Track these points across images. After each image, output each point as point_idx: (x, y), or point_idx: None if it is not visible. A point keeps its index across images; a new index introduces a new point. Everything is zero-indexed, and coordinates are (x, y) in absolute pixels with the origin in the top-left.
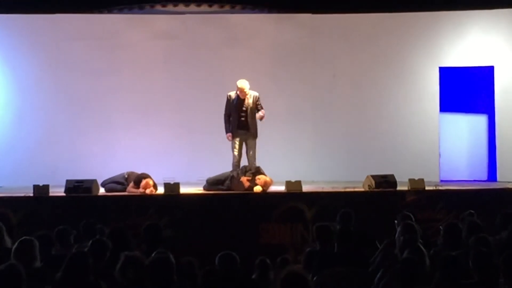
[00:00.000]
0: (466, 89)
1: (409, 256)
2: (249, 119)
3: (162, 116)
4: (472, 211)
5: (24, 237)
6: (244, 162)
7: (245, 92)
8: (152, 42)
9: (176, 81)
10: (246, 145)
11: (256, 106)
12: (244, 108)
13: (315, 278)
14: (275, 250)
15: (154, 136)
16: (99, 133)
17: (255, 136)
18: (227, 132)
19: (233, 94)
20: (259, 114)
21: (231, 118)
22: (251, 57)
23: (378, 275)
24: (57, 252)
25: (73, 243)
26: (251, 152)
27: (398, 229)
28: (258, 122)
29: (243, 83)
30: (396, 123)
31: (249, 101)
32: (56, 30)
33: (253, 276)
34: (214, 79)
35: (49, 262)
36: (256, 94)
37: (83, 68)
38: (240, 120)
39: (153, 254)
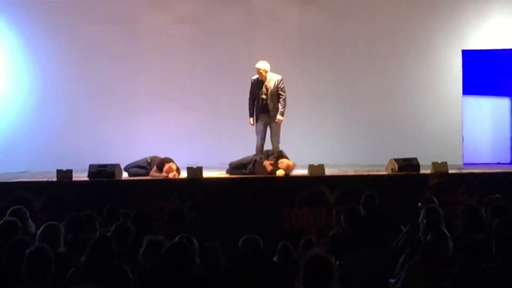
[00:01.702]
0: (489, 72)
1: (432, 239)
2: (270, 103)
3: (185, 100)
4: (497, 195)
5: (49, 222)
6: (267, 146)
7: (261, 73)
8: (173, 26)
9: (198, 65)
10: (270, 128)
11: (278, 90)
12: (265, 91)
13: (338, 261)
14: (298, 234)
15: (176, 121)
16: (121, 118)
17: (282, 114)
18: (250, 116)
19: (255, 77)
20: (278, 118)
21: (255, 102)
22: (273, 40)
23: (401, 258)
24: (82, 237)
25: (98, 228)
26: (275, 136)
27: (422, 212)
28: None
29: (261, 64)
30: (419, 106)
31: (270, 84)
32: (77, 14)
33: (275, 259)
34: (236, 63)
35: (73, 247)
36: (279, 77)
37: (105, 53)
38: (262, 103)
39: (176, 238)
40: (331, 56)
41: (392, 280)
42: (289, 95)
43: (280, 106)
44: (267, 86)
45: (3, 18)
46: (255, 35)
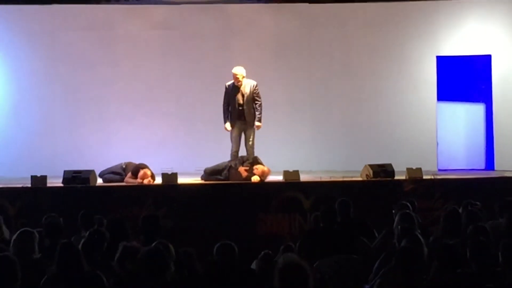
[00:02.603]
0: (464, 78)
1: (407, 245)
2: (246, 109)
3: (160, 106)
4: (472, 202)
5: (23, 229)
6: (242, 152)
7: (237, 78)
8: (149, 33)
9: (173, 71)
10: (245, 135)
11: (253, 95)
12: (241, 97)
13: (313, 266)
14: (273, 240)
15: (151, 127)
16: (96, 124)
17: (253, 125)
18: (225, 122)
19: (230, 83)
20: (256, 124)
21: (230, 108)
22: (248, 47)
23: (376, 264)
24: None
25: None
26: (249, 142)
27: (396, 218)
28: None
29: (237, 70)
30: (394, 113)
31: (245, 89)
32: (52, 21)
33: (253, 266)
34: (211, 70)
35: (48, 253)
36: (254, 83)
37: (80, 59)
38: (238, 109)
39: (153, 244)
40: (306, 62)
41: (366, 286)
42: (264, 101)
43: (257, 113)
44: (243, 92)
45: None
46: (231, 41)
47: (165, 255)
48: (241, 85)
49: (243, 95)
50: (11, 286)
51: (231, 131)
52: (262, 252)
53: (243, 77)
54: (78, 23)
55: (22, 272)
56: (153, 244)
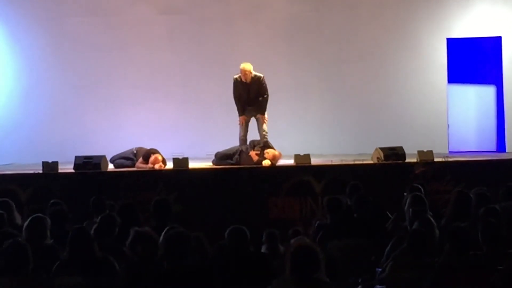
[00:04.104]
0: (474, 60)
1: (419, 228)
2: (255, 100)
3: (170, 91)
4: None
5: (35, 215)
6: (251, 137)
7: (246, 74)
8: (158, 17)
9: (182, 56)
10: (256, 120)
11: (259, 88)
12: (248, 91)
13: (324, 251)
14: (285, 224)
15: (162, 112)
16: (107, 109)
17: (263, 113)
18: (240, 115)
19: (237, 77)
20: (263, 118)
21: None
22: (257, 31)
23: (388, 247)
24: (66, 228)
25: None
26: (262, 126)
27: (407, 201)
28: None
29: (246, 66)
30: (404, 95)
31: (253, 84)
32: (62, 6)
33: (262, 249)
34: (219, 54)
35: (59, 239)
36: (260, 75)
37: (89, 44)
38: (247, 101)
39: (166, 229)
40: (316, 45)
41: (378, 269)
42: (275, 84)
43: (262, 117)
44: (251, 85)
45: None
46: (240, 25)
47: (186, 241)
48: (249, 79)
49: (251, 89)
50: (23, 271)
51: (240, 117)
52: (266, 231)
53: (251, 72)
54: (86, 9)
55: (34, 257)
56: (166, 229)
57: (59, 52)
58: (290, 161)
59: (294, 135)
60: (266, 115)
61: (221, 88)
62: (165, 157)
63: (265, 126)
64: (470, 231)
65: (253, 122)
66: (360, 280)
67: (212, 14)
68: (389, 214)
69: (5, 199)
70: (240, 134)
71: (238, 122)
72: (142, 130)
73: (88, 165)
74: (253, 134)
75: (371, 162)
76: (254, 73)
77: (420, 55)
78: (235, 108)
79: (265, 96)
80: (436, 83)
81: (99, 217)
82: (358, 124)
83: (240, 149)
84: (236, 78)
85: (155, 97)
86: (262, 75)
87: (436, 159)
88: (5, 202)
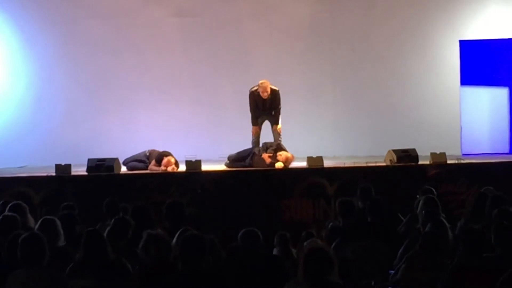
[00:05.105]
0: (487, 62)
1: (431, 230)
2: (269, 111)
3: (183, 93)
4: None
5: (46, 217)
6: (265, 139)
7: (265, 91)
8: (171, 20)
9: (194, 58)
10: (271, 123)
11: (273, 101)
12: (264, 104)
13: (337, 253)
14: (298, 226)
15: (174, 114)
16: (120, 112)
17: (277, 123)
18: (254, 125)
19: (254, 90)
20: (277, 128)
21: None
22: (269, 32)
23: (401, 249)
24: (78, 231)
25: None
26: (277, 128)
27: (420, 203)
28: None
29: (266, 83)
30: (417, 97)
31: (269, 99)
32: (75, 9)
33: (274, 252)
34: (232, 56)
35: (72, 241)
36: (277, 89)
37: (102, 47)
38: (261, 111)
39: (179, 232)
40: (329, 47)
41: (391, 271)
42: (287, 87)
43: (276, 126)
44: (267, 99)
45: (0, 13)
46: (252, 27)
47: (202, 244)
48: (267, 97)
49: (266, 102)
50: (39, 263)
51: (254, 127)
52: (278, 234)
53: (270, 89)
54: (99, 11)
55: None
56: (179, 231)
57: (73, 55)
58: (303, 163)
59: (306, 137)
60: (280, 124)
61: (234, 90)
62: (177, 159)
63: (279, 135)
64: (484, 233)
65: (265, 124)
66: (373, 283)
67: (225, 17)
68: (402, 217)
69: (18, 202)
70: (252, 137)
71: (251, 129)
72: (155, 133)
73: (101, 168)
74: (265, 136)
75: (384, 164)
76: (270, 86)
77: (433, 57)
78: (248, 110)
79: (279, 108)
80: (449, 85)
81: (113, 220)
82: (371, 126)
83: (253, 151)
84: (253, 92)
85: (167, 99)
86: (277, 89)
87: (449, 161)
88: (18, 205)
